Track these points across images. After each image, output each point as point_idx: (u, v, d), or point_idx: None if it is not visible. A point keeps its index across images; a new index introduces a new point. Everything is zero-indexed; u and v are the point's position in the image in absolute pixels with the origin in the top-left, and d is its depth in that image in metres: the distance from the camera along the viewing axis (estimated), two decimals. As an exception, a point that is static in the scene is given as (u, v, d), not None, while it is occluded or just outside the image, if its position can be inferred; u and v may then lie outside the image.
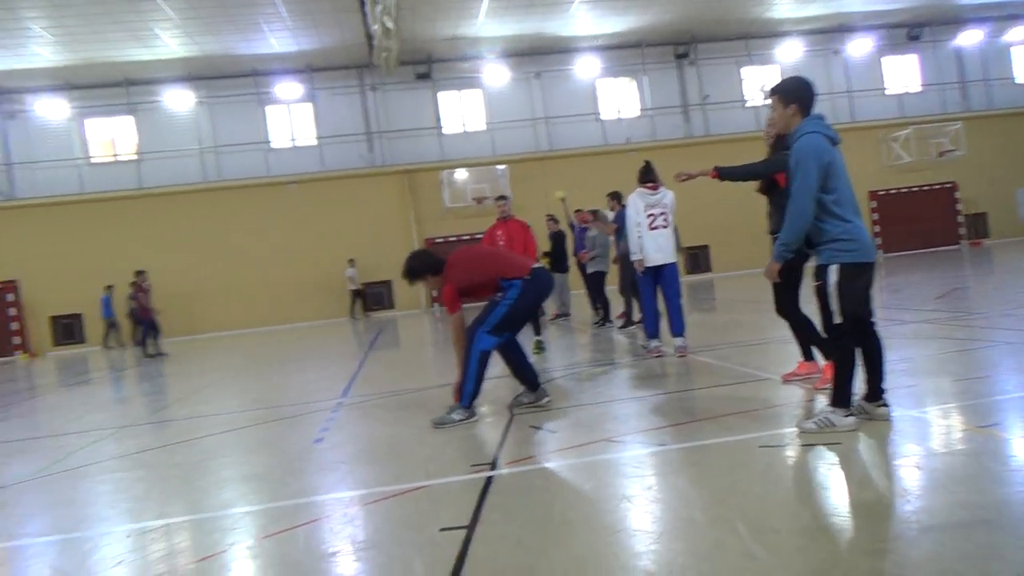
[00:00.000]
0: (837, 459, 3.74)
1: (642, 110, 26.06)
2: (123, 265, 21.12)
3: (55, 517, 4.25)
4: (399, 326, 18.55)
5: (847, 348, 4.07)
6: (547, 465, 4.15)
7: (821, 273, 4.05)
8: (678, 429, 4.64)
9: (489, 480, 3.89)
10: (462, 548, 2.97)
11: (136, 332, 17.34)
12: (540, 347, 9.05)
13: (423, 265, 5.58)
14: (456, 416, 5.34)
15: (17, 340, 22.73)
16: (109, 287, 20.71)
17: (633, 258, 7.95)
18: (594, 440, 4.53)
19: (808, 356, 5.59)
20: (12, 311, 22.77)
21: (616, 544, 2.91)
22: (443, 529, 3.21)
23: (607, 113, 25.92)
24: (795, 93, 4.16)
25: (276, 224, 23.60)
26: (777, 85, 4.25)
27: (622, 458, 4.16)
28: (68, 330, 23.15)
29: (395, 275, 23.65)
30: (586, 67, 25.34)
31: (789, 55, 26.29)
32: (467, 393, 5.37)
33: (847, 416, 4.06)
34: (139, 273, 16.23)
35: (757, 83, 25.95)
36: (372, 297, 24.05)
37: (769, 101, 4.33)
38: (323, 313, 23.57)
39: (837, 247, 3.98)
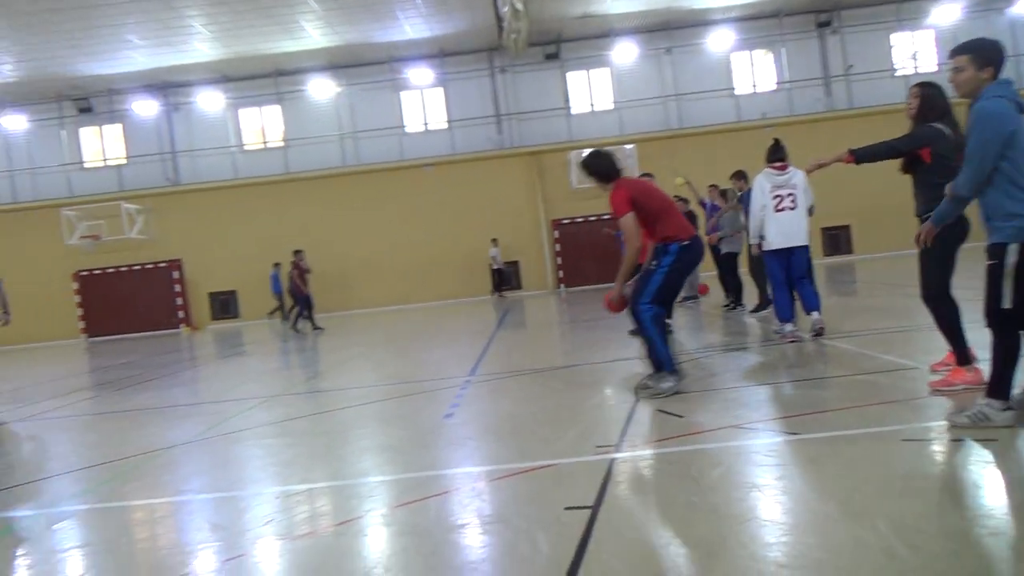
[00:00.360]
0: (992, 456, 3.48)
1: (779, 83, 24.81)
2: (275, 245, 22.67)
3: (213, 477, 4.67)
4: (526, 306, 18.79)
5: (1012, 335, 3.74)
6: (672, 449, 4.10)
7: (998, 252, 3.71)
8: (812, 418, 4.45)
9: (613, 462, 3.91)
10: (586, 528, 3.00)
11: (292, 308, 18.47)
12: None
13: (600, 167, 5.69)
14: (665, 385, 5.41)
15: (181, 315, 24.91)
16: (276, 264, 21.94)
17: (751, 241, 7.66)
18: (722, 426, 4.43)
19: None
20: (177, 288, 24.95)
21: (744, 533, 2.84)
22: (568, 508, 3.25)
23: (742, 88, 24.89)
24: (990, 55, 3.81)
25: (411, 206, 24.40)
26: (967, 44, 3.90)
27: (751, 446, 4.05)
28: (224, 305, 25.11)
29: (524, 256, 24.41)
30: (719, 40, 24.40)
31: (945, 18, 24.16)
32: (665, 359, 5.46)
33: (1005, 410, 3.73)
34: (296, 252, 17.20)
35: (909, 51, 24.01)
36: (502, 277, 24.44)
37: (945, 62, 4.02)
38: (461, 292, 24.21)
39: (1023, 224, 3.66)
